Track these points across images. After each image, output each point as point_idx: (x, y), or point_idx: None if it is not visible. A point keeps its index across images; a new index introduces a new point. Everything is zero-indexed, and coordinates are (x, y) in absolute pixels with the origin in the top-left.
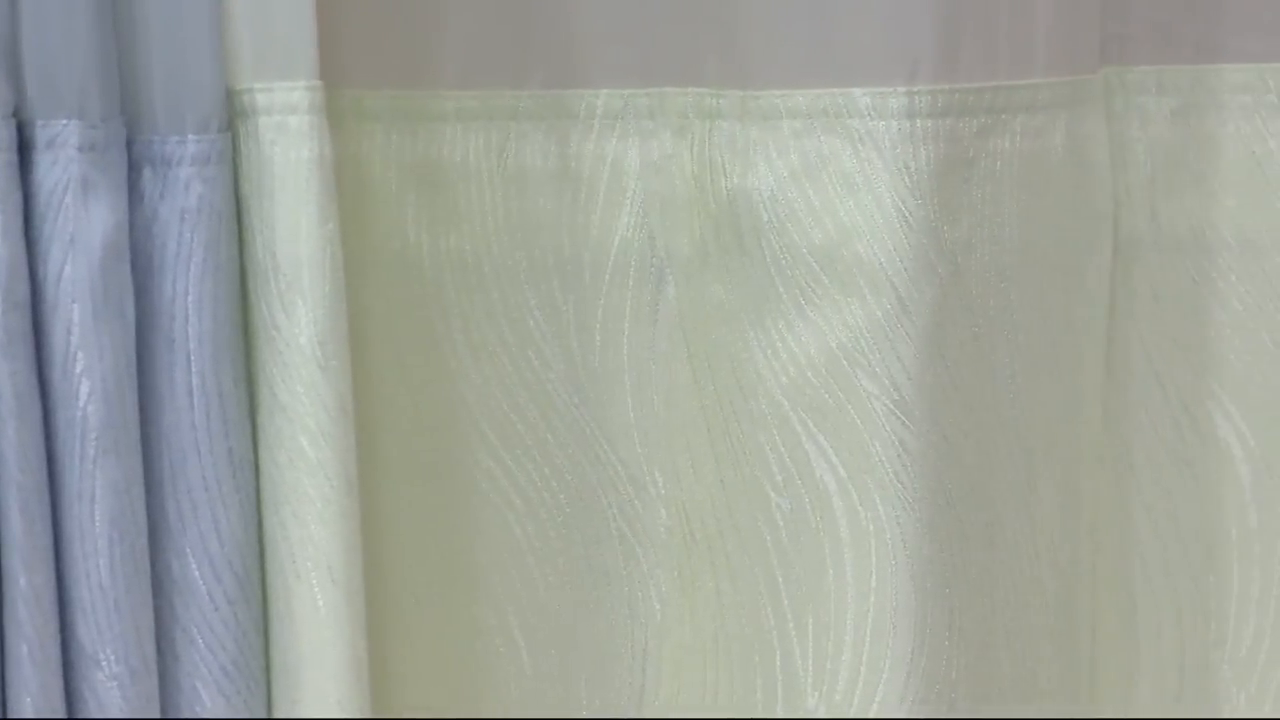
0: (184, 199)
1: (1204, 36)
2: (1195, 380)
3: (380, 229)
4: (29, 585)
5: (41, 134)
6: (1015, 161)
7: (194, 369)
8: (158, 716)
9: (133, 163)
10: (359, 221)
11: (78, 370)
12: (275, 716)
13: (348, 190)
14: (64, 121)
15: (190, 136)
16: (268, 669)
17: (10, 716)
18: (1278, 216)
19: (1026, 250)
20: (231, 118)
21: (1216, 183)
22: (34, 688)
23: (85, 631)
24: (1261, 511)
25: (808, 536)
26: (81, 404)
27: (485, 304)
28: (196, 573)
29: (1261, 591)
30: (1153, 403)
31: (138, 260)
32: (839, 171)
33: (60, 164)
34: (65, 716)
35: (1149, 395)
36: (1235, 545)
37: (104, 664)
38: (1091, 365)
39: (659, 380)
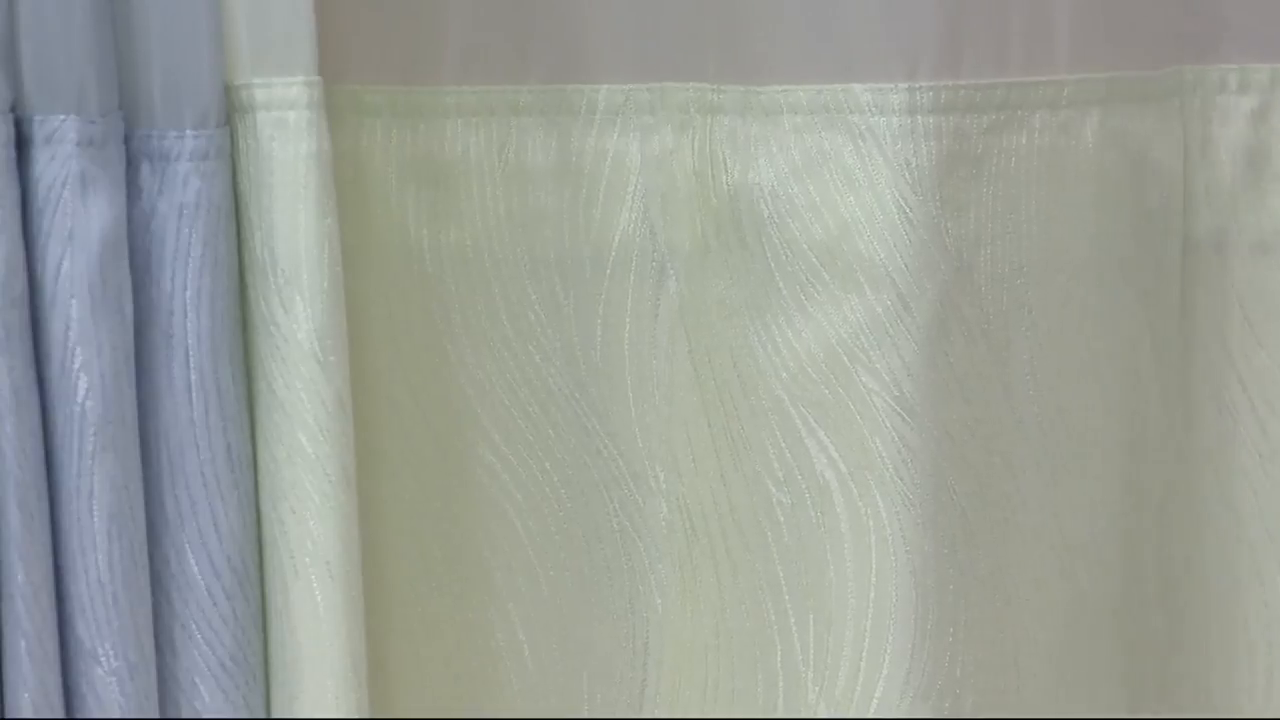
0: (182, 194)
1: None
2: None
3: (381, 224)
4: (27, 581)
5: (40, 129)
6: (1034, 158)
7: (192, 365)
8: (156, 711)
9: (131, 158)
10: (359, 217)
11: (76, 366)
12: (273, 711)
13: (348, 186)
14: (62, 117)
15: (189, 132)
16: (266, 664)
17: (8, 713)
18: None
19: (1049, 248)
20: (230, 113)
21: None
22: (32, 683)
23: (84, 627)
24: None
25: (808, 532)
26: (80, 399)
27: (486, 299)
28: (195, 568)
29: None
30: (1236, 402)
31: (136, 256)
32: (840, 167)
33: (59, 159)
34: (64, 712)
35: (1233, 395)
36: None
37: (102, 659)
38: (1152, 363)
39: (660, 375)
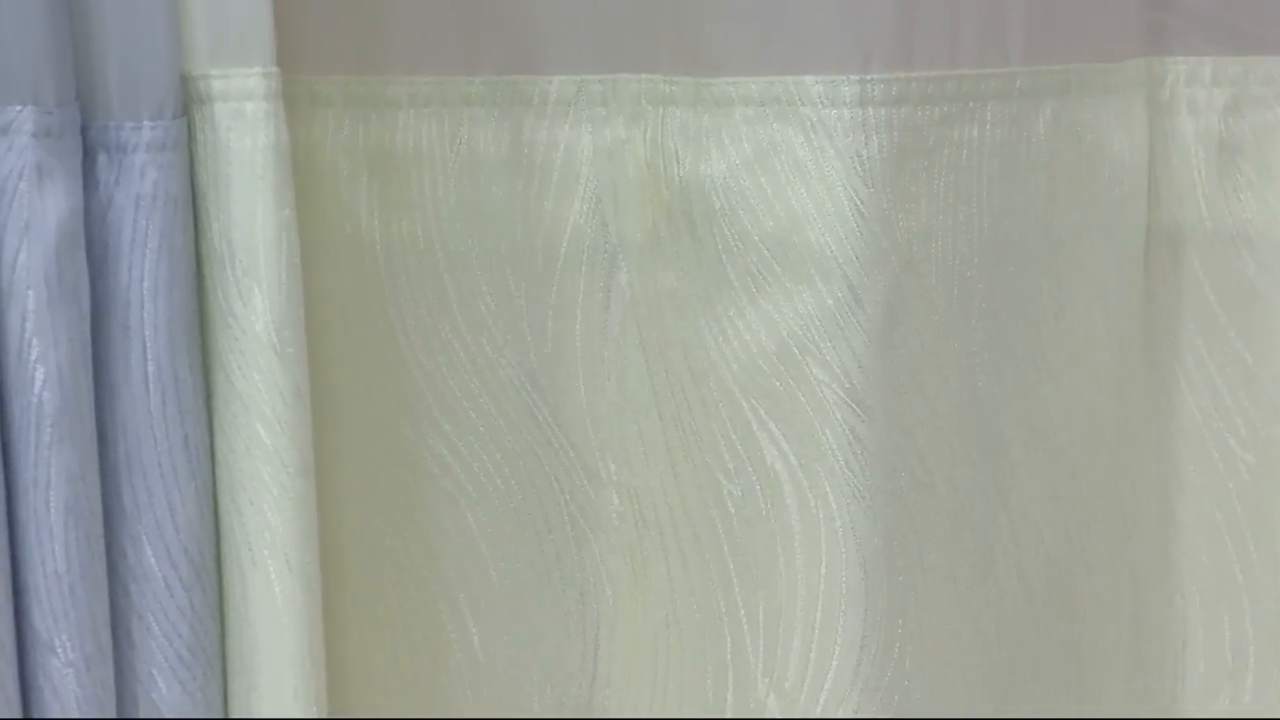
0: (139, 185)
1: (1256, 29)
2: (1255, 373)
3: (332, 215)
4: None
5: None
6: (986, 150)
7: (150, 356)
8: (114, 703)
9: (88, 149)
10: (311, 207)
11: (33, 357)
12: (231, 702)
13: (300, 176)
14: (18, 108)
15: (146, 122)
16: (224, 656)
17: None
18: None
19: (999, 240)
20: (187, 104)
21: (1270, 174)
22: None
23: (40, 618)
24: None
25: (758, 523)
26: (36, 391)
27: (437, 290)
28: (152, 559)
29: None
30: (1205, 394)
31: (93, 247)
32: (791, 159)
33: (15, 150)
34: (20, 703)
35: (1202, 387)
36: None
37: (59, 651)
38: (1111, 354)
39: (611, 367)
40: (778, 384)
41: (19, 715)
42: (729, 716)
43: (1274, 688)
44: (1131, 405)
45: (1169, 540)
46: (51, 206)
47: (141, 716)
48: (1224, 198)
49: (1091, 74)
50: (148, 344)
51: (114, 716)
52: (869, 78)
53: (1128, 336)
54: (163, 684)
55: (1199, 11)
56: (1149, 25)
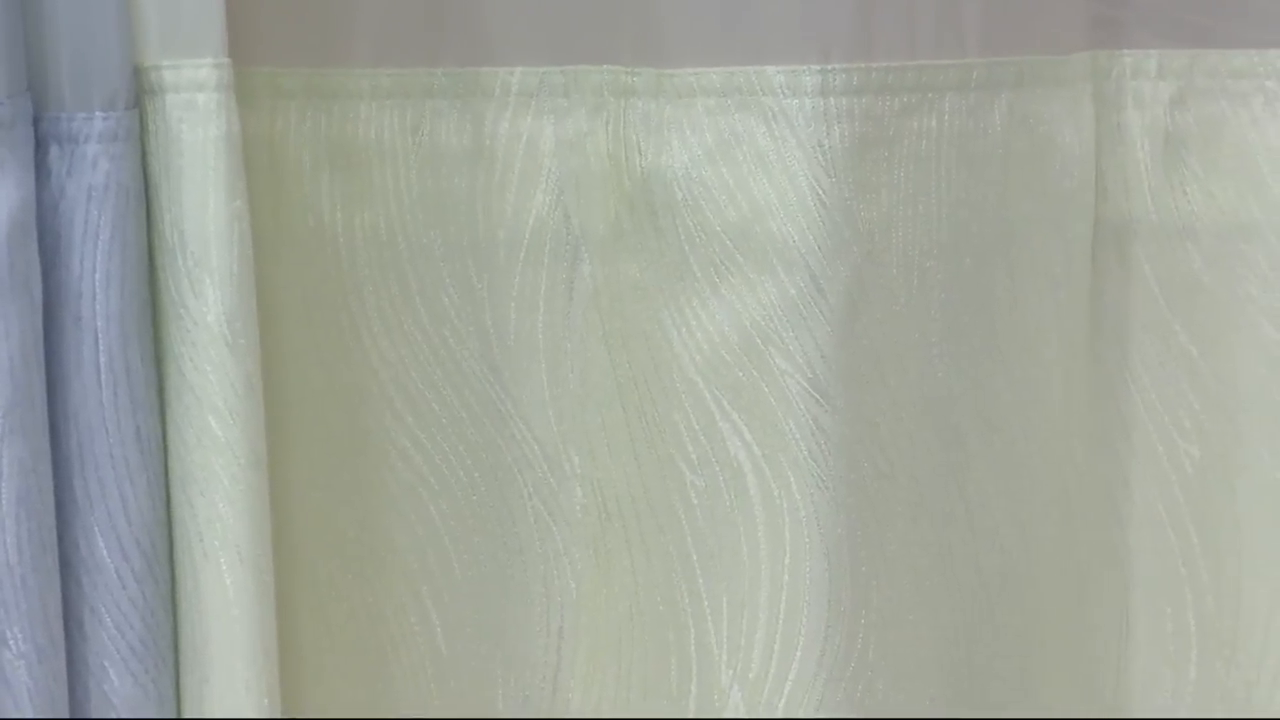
0: (91, 176)
1: (1202, 21)
2: (1199, 367)
3: (294, 207)
4: None
5: None
6: (944, 141)
7: (101, 347)
8: (65, 695)
9: (39, 140)
10: (273, 199)
11: None
12: (184, 694)
13: (262, 168)
14: None
15: (98, 113)
16: (176, 648)
17: None
18: (1270, 202)
19: (958, 231)
20: (139, 95)
21: (1215, 167)
22: None
23: None
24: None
25: (722, 514)
26: None
27: (400, 282)
28: (104, 551)
29: (1270, 588)
30: (1150, 387)
31: (44, 238)
32: (753, 149)
33: None
34: None
35: (1147, 380)
36: (1241, 535)
37: (11, 643)
38: (1059, 347)
39: (574, 358)
40: (741, 374)
41: None
42: (692, 708)
43: (1215, 679)
44: (1079, 398)
45: (1113, 532)
46: (2, 198)
47: (93, 708)
48: (1170, 191)
49: (1043, 66)
50: (100, 335)
51: (66, 708)
52: (830, 67)
53: (1076, 329)
54: (115, 676)
55: (1144, 4)
56: (1096, 18)
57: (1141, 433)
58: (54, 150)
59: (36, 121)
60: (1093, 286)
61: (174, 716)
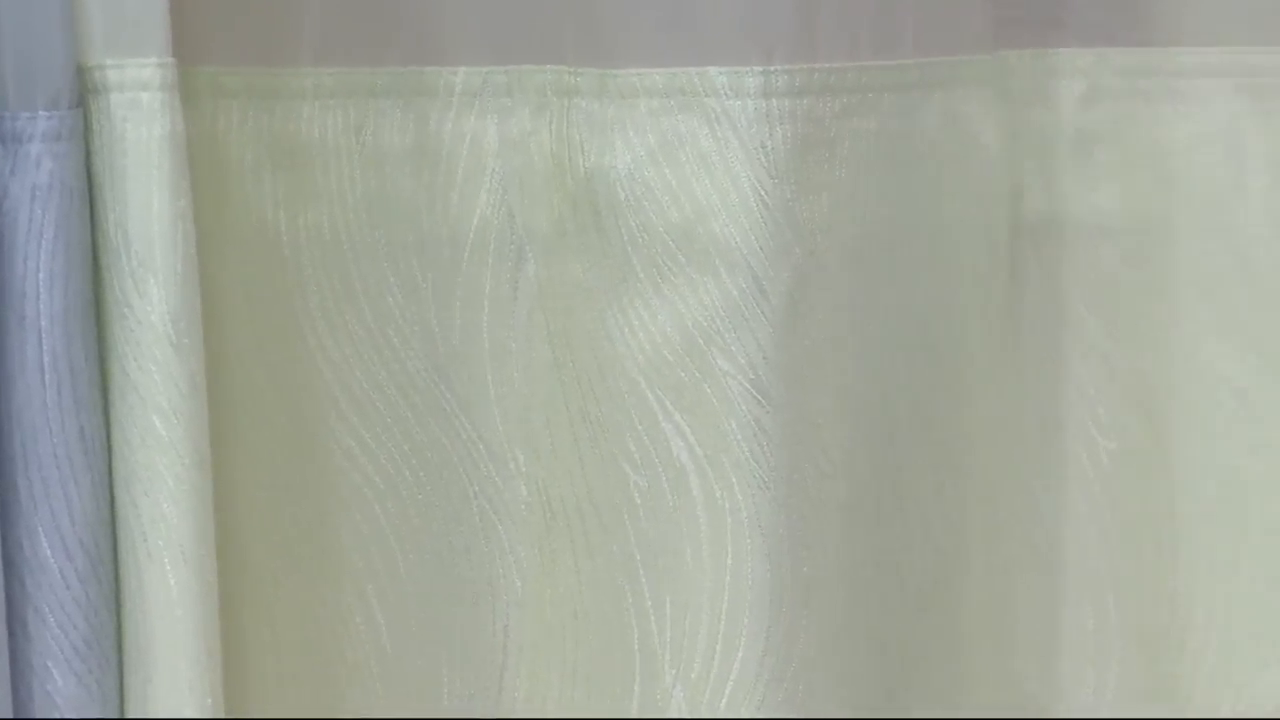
0: (35, 175)
1: (1108, 19)
2: (1114, 362)
3: (237, 207)
4: None
5: None
6: (881, 142)
7: (45, 347)
8: (9, 695)
9: None
10: (216, 199)
11: None
12: (128, 694)
13: (205, 168)
14: None
15: (41, 113)
16: (120, 648)
17: None
18: (1182, 199)
19: (894, 232)
20: (83, 94)
21: (1127, 165)
22: None
23: None
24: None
25: (665, 515)
26: None
27: (344, 282)
28: (48, 551)
29: (1208, 579)
30: (1067, 383)
31: None
32: (696, 151)
33: None
34: None
35: (1063, 376)
36: (1160, 529)
37: None
38: (983, 347)
39: (519, 358)
40: (683, 375)
41: None
42: (636, 707)
43: (1137, 675)
44: (1003, 397)
45: (1036, 529)
46: None
47: (37, 708)
48: (1083, 189)
49: (967, 66)
50: (44, 335)
51: (10, 708)
52: (772, 69)
53: (997, 327)
54: (58, 676)
55: (1053, 3)
56: (1004, 19)
57: (1060, 429)
58: None
59: None
60: (1013, 284)
61: (117, 717)
